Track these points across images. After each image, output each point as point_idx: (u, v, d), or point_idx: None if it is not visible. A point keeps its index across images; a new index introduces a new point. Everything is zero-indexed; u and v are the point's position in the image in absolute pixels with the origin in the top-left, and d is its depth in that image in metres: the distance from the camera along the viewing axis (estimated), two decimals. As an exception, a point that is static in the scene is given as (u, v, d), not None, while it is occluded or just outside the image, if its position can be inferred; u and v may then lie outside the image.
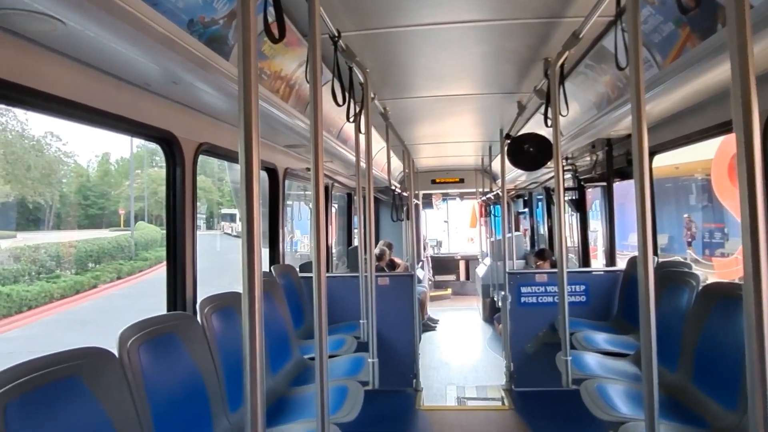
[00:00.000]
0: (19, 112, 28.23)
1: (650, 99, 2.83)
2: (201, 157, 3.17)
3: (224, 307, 2.99)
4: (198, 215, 3.30)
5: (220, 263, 21.03)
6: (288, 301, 4.04)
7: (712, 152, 12.64)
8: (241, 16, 1.26)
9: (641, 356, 1.71)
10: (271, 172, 4.42)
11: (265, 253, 4.66)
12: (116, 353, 2.05)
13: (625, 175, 4.85)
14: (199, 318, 2.78)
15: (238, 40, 1.27)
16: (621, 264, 5.03)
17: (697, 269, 3.52)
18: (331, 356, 3.67)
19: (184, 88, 2.50)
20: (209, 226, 41.32)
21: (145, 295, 16.76)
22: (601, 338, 3.89)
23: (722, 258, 14.99)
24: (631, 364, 3.39)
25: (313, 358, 3.73)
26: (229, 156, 3.56)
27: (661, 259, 3.79)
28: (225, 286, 3.37)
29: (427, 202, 12.61)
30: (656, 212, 4.24)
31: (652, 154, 3.86)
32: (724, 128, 3.00)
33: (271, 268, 4.27)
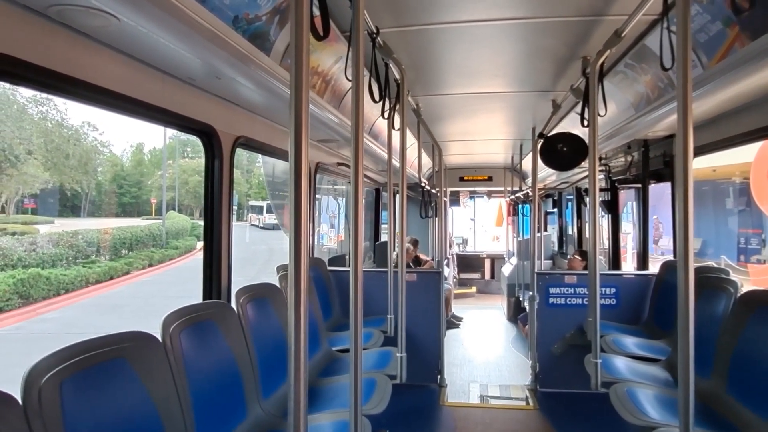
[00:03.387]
0: (59, 102, 29.14)
1: (694, 100, 2.76)
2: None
3: (259, 298, 3.06)
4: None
5: (248, 254, 21.42)
6: (317, 293, 4.10)
7: (751, 155, 12.21)
8: (294, 29, 1.28)
9: (678, 362, 1.68)
10: None
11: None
12: (159, 338, 2.13)
13: (660, 177, 4.75)
14: (234, 307, 2.85)
15: (291, 47, 1.29)
16: (652, 268, 4.95)
17: (733, 275, 3.44)
18: None
19: (225, 82, 2.55)
20: (238, 218, 41.98)
21: (174, 282, 17.20)
22: (631, 342, 3.84)
23: (758, 265, 14.50)
24: (663, 370, 3.33)
25: (341, 350, 3.83)
26: (264, 149, 3.61)
27: (696, 264, 3.70)
28: (252, 276, 3.43)
29: (454, 199, 12.56)
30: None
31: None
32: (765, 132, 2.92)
33: None
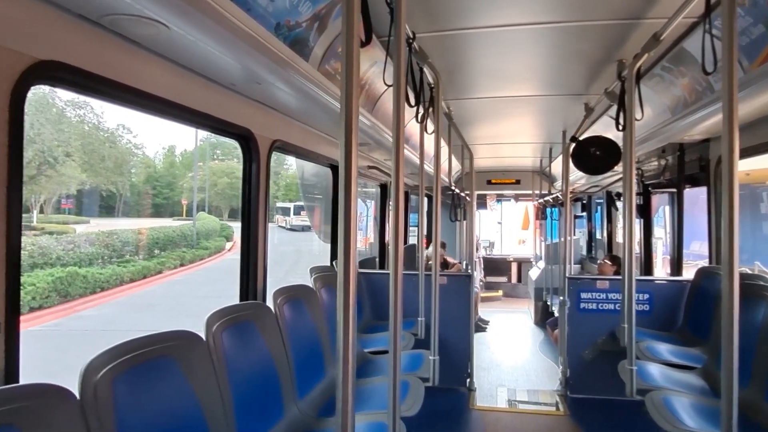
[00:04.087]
0: (96, 105, 30.04)
1: None
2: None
3: (295, 299, 3.12)
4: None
5: (276, 255, 21.67)
6: None
7: (788, 159, 11.82)
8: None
9: (722, 372, 1.66)
10: (335, 168, 4.53)
11: (327, 248, 4.80)
12: (203, 337, 2.19)
13: (695, 181, 4.65)
14: (272, 307, 2.91)
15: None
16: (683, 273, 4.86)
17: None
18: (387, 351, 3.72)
19: (264, 87, 2.60)
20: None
21: (204, 282, 17.49)
22: (665, 349, 3.77)
23: (793, 271, 14.05)
24: (699, 378, 3.27)
25: (373, 352, 3.87)
26: (299, 153, 3.68)
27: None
28: (281, 277, 3.48)
29: (481, 202, 12.48)
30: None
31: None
32: None
33: (333, 263, 4.37)
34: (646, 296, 4.50)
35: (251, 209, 3.03)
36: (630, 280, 2.80)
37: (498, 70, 3.81)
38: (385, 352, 3.80)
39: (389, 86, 1.97)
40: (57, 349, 9.22)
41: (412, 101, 2.66)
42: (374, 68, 3.22)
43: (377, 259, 6.38)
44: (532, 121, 5.63)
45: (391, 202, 6.75)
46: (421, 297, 3.64)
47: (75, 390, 1.57)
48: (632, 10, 2.70)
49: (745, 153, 3.46)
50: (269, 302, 2.99)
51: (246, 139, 2.98)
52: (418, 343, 3.85)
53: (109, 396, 1.64)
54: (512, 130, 6.19)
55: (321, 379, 3.16)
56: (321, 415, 2.85)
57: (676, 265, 4.99)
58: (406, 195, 8.09)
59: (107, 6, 1.63)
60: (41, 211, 28.11)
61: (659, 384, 3.07)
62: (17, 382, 1.55)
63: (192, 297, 14.65)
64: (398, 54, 1.78)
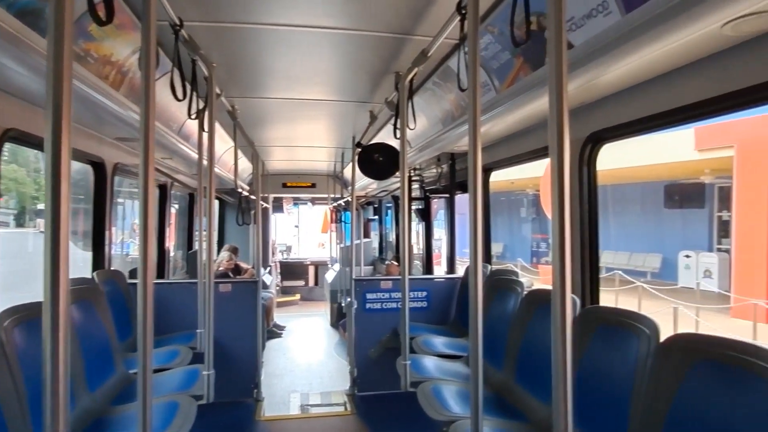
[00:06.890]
0: None
1: (488, 120, 3.07)
2: (12, 146, 2.73)
3: (31, 319, 2.46)
4: (7, 210, 2.74)
5: (32, 265, 18.09)
6: (113, 310, 3.55)
7: (541, 170, 14.50)
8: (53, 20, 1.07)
9: (469, 359, 1.81)
10: (98, 166, 3.87)
11: (88, 257, 4.07)
12: None
13: (465, 188, 5.23)
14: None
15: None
16: (459, 271, 5.43)
17: (525, 276, 3.92)
18: (162, 369, 3.34)
19: None
20: (20, 223, 35.26)
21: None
22: (439, 342, 4.10)
23: (547, 266, 17.37)
24: (464, 366, 3.63)
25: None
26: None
27: (494, 267, 4.15)
28: (39, 291, 2.77)
29: (278, 206, 12.33)
30: (492, 223, 4.66)
31: (488, 170, 4.22)
32: (544, 152, 3.39)
33: (94, 273, 3.72)
34: (424, 293, 4.88)
35: None
36: (405, 279, 2.97)
37: (284, 71, 3.71)
38: (162, 369, 3.38)
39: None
40: None
41: (180, 95, 2.39)
42: (138, 55, 2.82)
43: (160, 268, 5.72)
44: (325, 125, 5.69)
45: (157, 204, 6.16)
46: (200, 307, 3.34)
47: None
48: (403, 26, 2.85)
49: (503, 164, 3.99)
50: None
51: None
52: (198, 357, 3.49)
53: None
54: (306, 133, 6.18)
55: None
56: None
57: (450, 263, 5.56)
58: (192, 197, 7.49)
59: None
60: None
61: (432, 375, 3.31)
62: None
63: None
64: (147, 35, 1.56)
